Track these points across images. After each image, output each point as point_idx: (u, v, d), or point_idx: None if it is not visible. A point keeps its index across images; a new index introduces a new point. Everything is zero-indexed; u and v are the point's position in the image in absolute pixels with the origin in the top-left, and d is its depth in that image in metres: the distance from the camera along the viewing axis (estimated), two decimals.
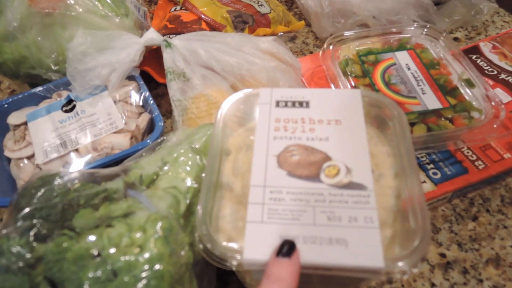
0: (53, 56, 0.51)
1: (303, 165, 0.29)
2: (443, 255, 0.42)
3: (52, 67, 0.52)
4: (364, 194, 0.27)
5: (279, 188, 0.28)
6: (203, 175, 0.33)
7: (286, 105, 0.33)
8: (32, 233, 0.25)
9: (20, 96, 0.51)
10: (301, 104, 0.33)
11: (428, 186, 0.44)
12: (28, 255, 0.24)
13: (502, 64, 0.56)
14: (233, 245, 0.26)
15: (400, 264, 0.25)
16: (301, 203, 0.27)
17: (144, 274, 0.22)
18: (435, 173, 0.45)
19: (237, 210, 0.28)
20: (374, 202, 0.27)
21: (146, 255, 0.23)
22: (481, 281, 0.40)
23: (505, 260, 0.41)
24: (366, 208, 0.26)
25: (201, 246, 0.26)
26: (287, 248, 0.25)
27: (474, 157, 0.46)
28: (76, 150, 0.45)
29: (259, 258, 0.25)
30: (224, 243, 0.26)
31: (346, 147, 0.30)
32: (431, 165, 0.45)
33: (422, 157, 0.46)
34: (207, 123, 0.38)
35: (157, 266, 0.23)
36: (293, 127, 0.31)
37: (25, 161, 0.45)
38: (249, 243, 0.25)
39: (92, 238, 0.24)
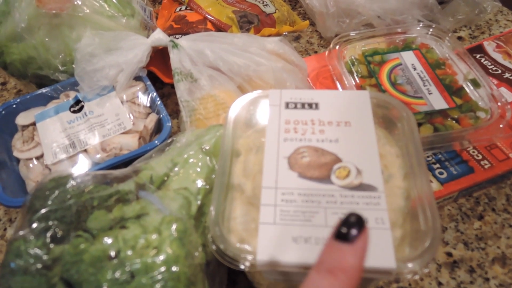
0: (60, 56, 0.51)
1: (313, 167, 0.29)
2: (449, 254, 0.42)
3: (60, 67, 0.52)
4: (375, 195, 0.27)
5: (291, 189, 0.28)
6: (214, 176, 0.33)
7: (295, 107, 0.33)
8: (48, 234, 0.25)
9: (28, 96, 0.51)
10: (310, 105, 0.33)
11: (434, 186, 0.44)
12: (45, 257, 0.24)
13: (506, 63, 0.57)
14: (246, 246, 0.27)
15: (412, 264, 0.25)
16: (313, 205, 0.27)
17: (161, 276, 0.22)
18: (441, 173, 0.45)
19: (248, 212, 0.29)
20: (385, 203, 0.27)
21: (163, 256, 0.23)
22: (487, 279, 0.40)
23: (511, 259, 0.41)
24: (377, 209, 0.27)
25: (214, 247, 0.26)
26: (350, 227, 0.19)
27: (480, 157, 0.46)
28: (85, 150, 0.45)
29: (272, 259, 0.25)
30: (237, 244, 0.27)
31: (355, 148, 0.30)
32: (437, 165, 0.46)
33: (428, 157, 0.46)
34: (216, 124, 0.38)
35: (173, 268, 0.23)
36: (303, 128, 0.31)
37: (34, 161, 0.45)
38: (262, 244, 0.25)
39: (107, 240, 0.24)
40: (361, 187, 0.28)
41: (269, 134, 0.31)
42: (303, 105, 0.33)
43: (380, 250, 0.25)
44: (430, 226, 0.26)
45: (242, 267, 0.26)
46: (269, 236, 0.26)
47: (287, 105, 0.33)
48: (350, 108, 0.33)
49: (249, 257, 0.26)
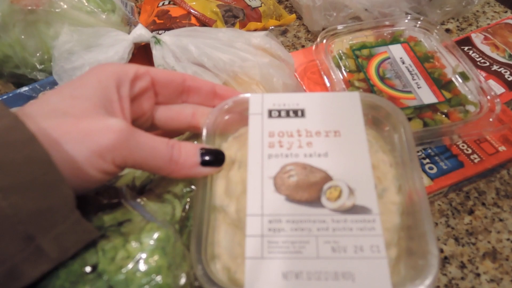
0: (38, 54, 0.49)
1: (302, 188, 0.27)
2: (440, 250, 0.42)
3: (37, 66, 0.50)
4: (369, 219, 0.25)
5: (278, 216, 0.26)
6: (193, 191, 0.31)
7: (279, 115, 0.30)
8: None
9: (5, 96, 0.49)
10: (295, 113, 0.30)
11: (424, 181, 0.43)
12: None
13: (494, 55, 0.56)
14: (232, 278, 0.25)
15: None
16: (303, 233, 0.25)
17: None
18: (431, 168, 0.44)
19: (233, 236, 0.27)
20: (380, 228, 0.25)
21: (144, 268, 0.22)
22: (478, 275, 0.40)
23: (502, 253, 0.41)
24: (372, 235, 0.25)
25: (197, 283, 0.24)
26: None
27: (470, 151, 0.45)
28: None
29: None
30: (224, 280, 0.25)
31: (347, 163, 0.27)
32: (427, 160, 0.45)
33: (417, 152, 0.46)
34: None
35: (155, 280, 0.22)
36: (289, 141, 0.28)
37: None
38: (250, 283, 0.23)
39: (85, 251, 0.23)
40: (354, 209, 0.25)
41: (251, 150, 0.28)
42: (287, 113, 0.30)
43: (376, 283, 0.23)
44: (428, 258, 0.24)
45: None
46: (256, 273, 0.24)
47: (270, 113, 0.30)
48: (339, 113, 0.30)
49: None
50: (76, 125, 0.24)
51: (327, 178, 0.27)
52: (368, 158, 0.28)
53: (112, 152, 0.24)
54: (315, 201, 0.26)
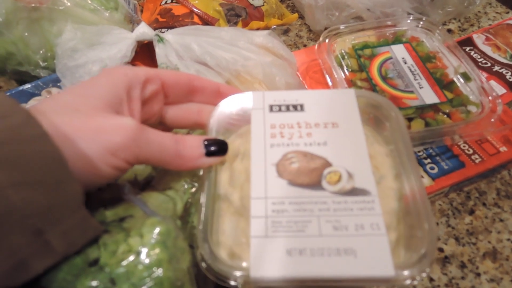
0: (41, 52, 0.50)
1: (303, 173, 0.28)
2: (440, 250, 0.42)
3: (41, 63, 0.50)
4: (368, 200, 0.26)
5: (281, 199, 0.26)
6: (201, 173, 0.32)
7: (280, 110, 0.31)
8: None
9: (8, 94, 0.49)
10: (295, 107, 0.31)
11: (425, 181, 0.43)
12: None
13: (495, 56, 0.56)
14: (237, 261, 0.25)
15: (410, 271, 0.24)
16: (305, 213, 0.26)
17: (143, 282, 0.21)
18: (432, 168, 0.44)
19: (237, 223, 0.27)
20: (379, 208, 0.26)
21: (145, 261, 0.22)
22: (478, 275, 0.40)
23: (502, 253, 0.41)
24: (372, 215, 0.26)
25: (203, 264, 0.25)
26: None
27: (471, 151, 0.45)
28: None
29: (267, 275, 0.24)
30: (229, 261, 0.25)
31: (345, 151, 0.29)
32: (428, 160, 0.45)
33: (419, 151, 0.46)
34: (198, 130, 0.37)
35: (156, 273, 0.22)
36: (290, 132, 0.30)
37: None
38: (256, 260, 0.24)
39: (87, 245, 0.23)
40: (354, 191, 0.26)
41: (254, 141, 0.30)
42: (287, 107, 0.31)
43: (378, 258, 0.24)
44: (425, 230, 0.25)
45: (234, 283, 0.25)
46: (261, 250, 0.24)
47: (271, 108, 0.31)
48: (336, 108, 0.31)
49: (242, 274, 0.24)
50: (88, 122, 0.24)
51: (327, 164, 0.28)
52: (365, 146, 0.29)
53: (124, 150, 0.24)
54: (316, 185, 0.27)
